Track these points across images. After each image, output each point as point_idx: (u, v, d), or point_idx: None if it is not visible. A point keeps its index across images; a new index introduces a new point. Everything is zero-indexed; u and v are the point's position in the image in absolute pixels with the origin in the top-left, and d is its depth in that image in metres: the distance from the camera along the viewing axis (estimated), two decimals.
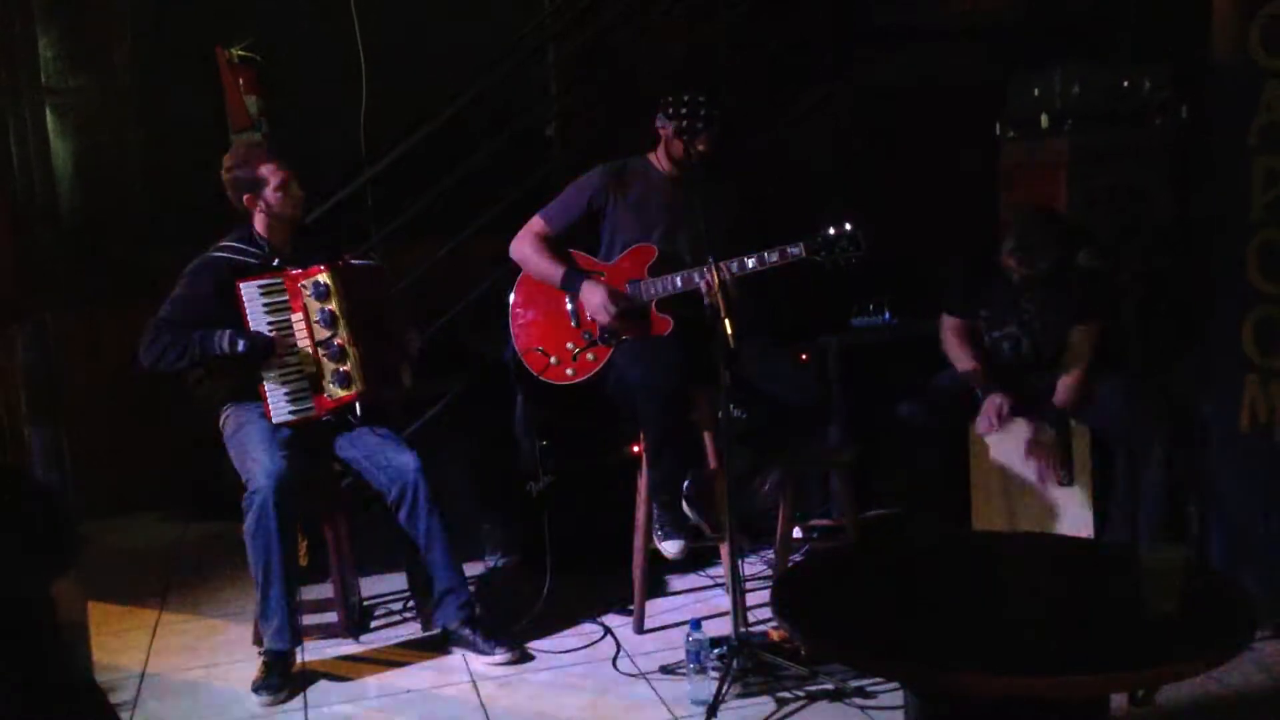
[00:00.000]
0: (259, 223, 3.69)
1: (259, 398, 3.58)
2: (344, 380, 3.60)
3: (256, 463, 3.44)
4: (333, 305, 3.58)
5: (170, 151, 5.19)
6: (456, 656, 3.66)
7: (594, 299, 3.71)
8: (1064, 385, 3.88)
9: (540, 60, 5.27)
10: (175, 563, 4.73)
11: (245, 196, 3.64)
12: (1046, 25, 5.36)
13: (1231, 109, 3.45)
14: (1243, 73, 3.39)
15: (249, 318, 3.54)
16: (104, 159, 5.20)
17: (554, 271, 3.78)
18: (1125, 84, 4.52)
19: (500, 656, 3.59)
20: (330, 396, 3.61)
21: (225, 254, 3.63)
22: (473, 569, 4.39)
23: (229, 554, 4.63)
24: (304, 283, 3.58)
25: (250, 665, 3.58)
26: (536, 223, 3.85)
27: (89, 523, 4.98)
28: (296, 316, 3.59)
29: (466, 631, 3.63)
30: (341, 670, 3.64)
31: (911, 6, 5.41)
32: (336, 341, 3.59)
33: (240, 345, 3.48)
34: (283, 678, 3.47)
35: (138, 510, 5.28)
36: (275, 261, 3.65)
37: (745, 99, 5.01)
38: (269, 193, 3.63)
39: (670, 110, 3.70)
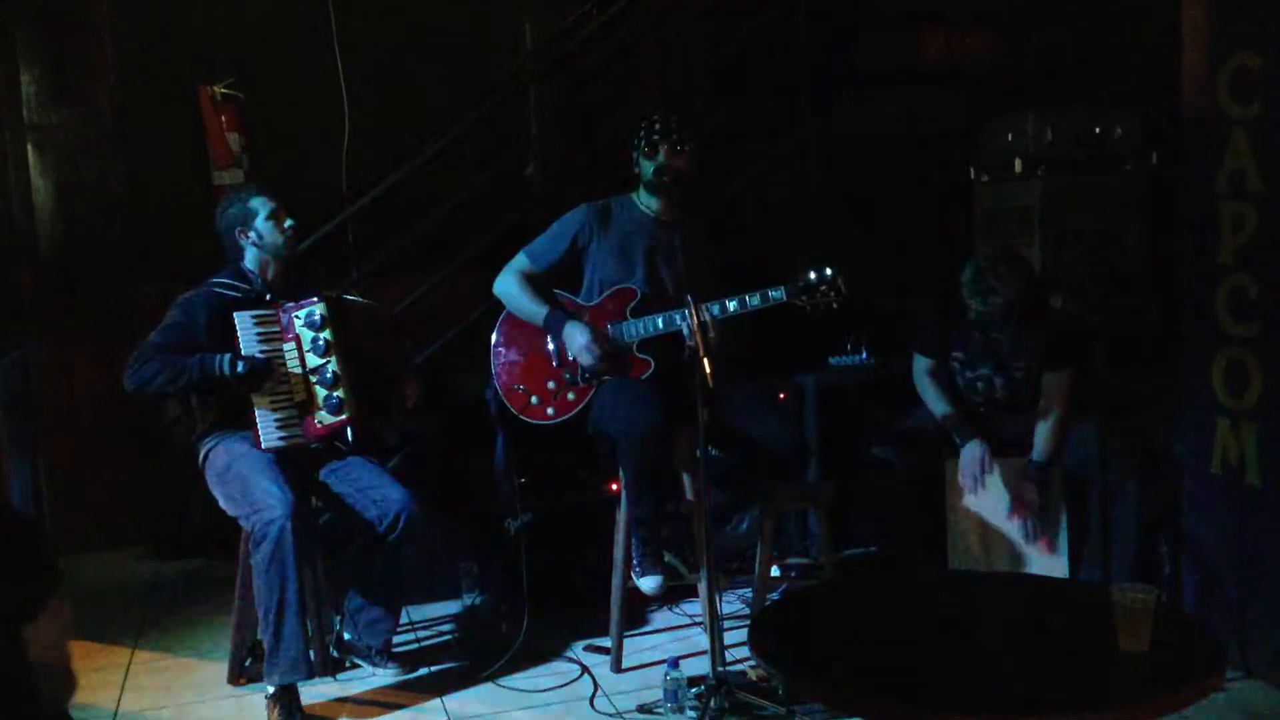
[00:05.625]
0: (250, 258, 3.69)
1: (245, 426, 3.56)
2: (336, 406, 3.58)
3: (267, 493, 3.39)
4: (326, 335, 3.57)
5: (152, 188, 5.20)
6: (434, 699, 3.64)
7: (577, 341, 3.71)
8: (1042, 438, 3.85)
9: (522, 100, 5.31)
10: (150, 600, 4.69)
11: (237, 230, 3.66)
12: (1020, 71, 5.45)
13: (1201, 155, 3.52)
14: (1211, 121, 3.46)
15: (242, 345, 3.53)
16: (85, 195, 5.19)
17: (536, 310, 3.79)
18: (1097, 130, 4.60)
19: (392, 670, 3.80)
20: (321, 423, 3.59)
21: (217, 289, 3.63)
22: (450, 606, 4.40)
23: (204, 592, 4.62)
24: (297, 314, 3.58)
25: (225, 704, 3.56)
26: (520, 260, 3.87)
27: (64, 558, 4.93)
28: (289, 346, 3.58)
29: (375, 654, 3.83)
30: (317, 710, 3.60)
31: (887, 52, 5.50)
32: (330, 370, 3.58)
33: (240, 366, 3.46)
34: (300, 711, 3.45)
35: (113, 547, 5.23)
36: (267, 296, 3.66)
37: (724, 142, 5.06)
38: (260, 222, 3.65)
39: (640, 134, 3.78)
